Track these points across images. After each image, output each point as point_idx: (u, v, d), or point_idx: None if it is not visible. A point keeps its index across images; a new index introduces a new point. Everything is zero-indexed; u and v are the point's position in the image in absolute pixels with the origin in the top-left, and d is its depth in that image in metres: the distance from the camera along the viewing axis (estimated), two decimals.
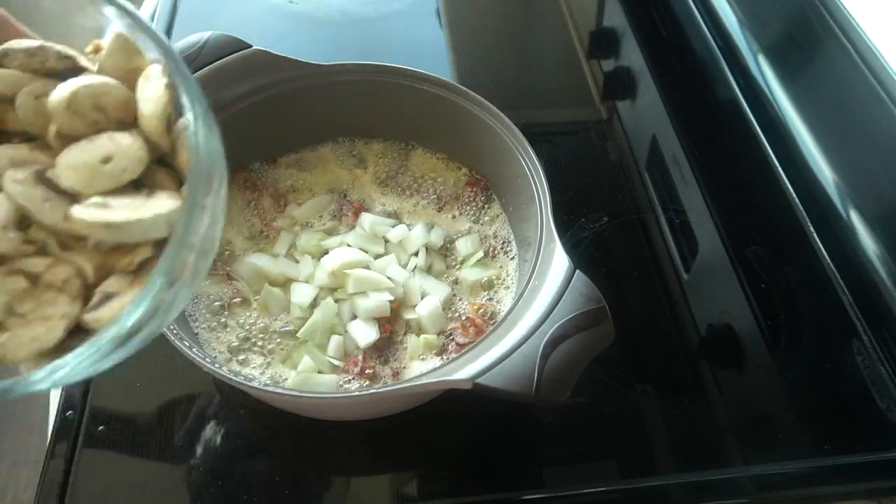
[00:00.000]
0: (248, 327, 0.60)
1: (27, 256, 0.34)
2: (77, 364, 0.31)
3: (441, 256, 0.66)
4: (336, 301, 0.61)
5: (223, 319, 0.60)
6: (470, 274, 0.64)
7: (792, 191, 0.78)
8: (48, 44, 0.37)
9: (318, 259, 0.63)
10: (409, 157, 0.73)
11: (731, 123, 0.88)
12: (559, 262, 0.52)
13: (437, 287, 0.63)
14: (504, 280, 0.64)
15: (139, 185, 0.35)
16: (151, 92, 0.35)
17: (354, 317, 0.61)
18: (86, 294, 0.34)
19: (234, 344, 0.59)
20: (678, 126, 0.88)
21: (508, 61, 1.01)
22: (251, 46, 0.65)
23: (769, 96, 0.83)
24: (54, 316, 0.33)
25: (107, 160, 0.34)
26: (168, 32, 0.93)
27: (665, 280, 0.73)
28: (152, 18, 0.94)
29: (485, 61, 1.00)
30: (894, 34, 0.70)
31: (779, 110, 0.81)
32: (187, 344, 0.51)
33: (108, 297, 0.33)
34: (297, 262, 0.64)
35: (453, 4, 1.06)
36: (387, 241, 0.66)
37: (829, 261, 0.73)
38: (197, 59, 0.62)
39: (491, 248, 0.66)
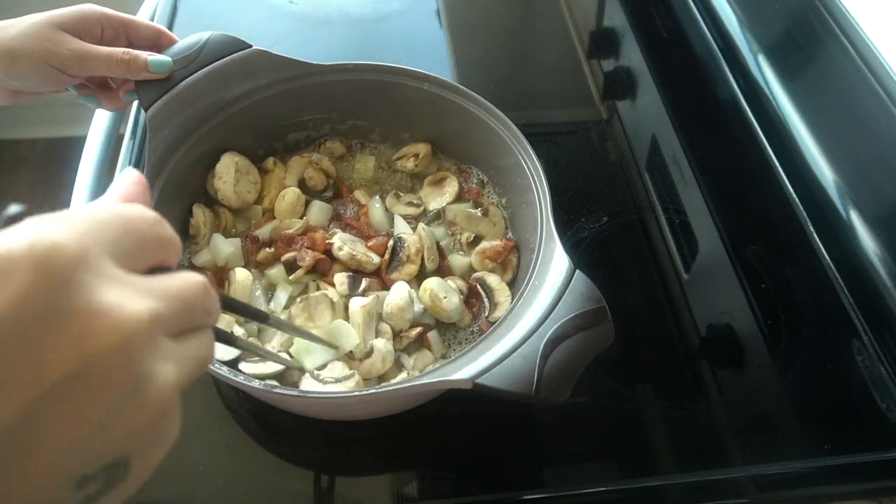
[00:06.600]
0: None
1: None
2: None
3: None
4: None
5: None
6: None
7: (792, 191, 0.78)
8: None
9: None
10: None
11: (731, 123, 0.88)
12: (559, 262, 0.52)
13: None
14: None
15: None
16: None
17: None
18: None
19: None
20: (678, 126, 0.87)
21: (508, 61, 1.01)
22: (251, 46, 0.64)
23: (769, 96, 0.83)
24: None
25: None
26: None
27: (665, 280, 0.73)
28: (152, 18, 0.94)
29: (485, 61, 1.00)
30: (894, 34, 0.70)
31: (779, 110, 0.81)
32: None
33: None
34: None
35: (453, 4, 1.06)
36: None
37: (829, 261, 0.73)
38: (197, 59, 0.62)
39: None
